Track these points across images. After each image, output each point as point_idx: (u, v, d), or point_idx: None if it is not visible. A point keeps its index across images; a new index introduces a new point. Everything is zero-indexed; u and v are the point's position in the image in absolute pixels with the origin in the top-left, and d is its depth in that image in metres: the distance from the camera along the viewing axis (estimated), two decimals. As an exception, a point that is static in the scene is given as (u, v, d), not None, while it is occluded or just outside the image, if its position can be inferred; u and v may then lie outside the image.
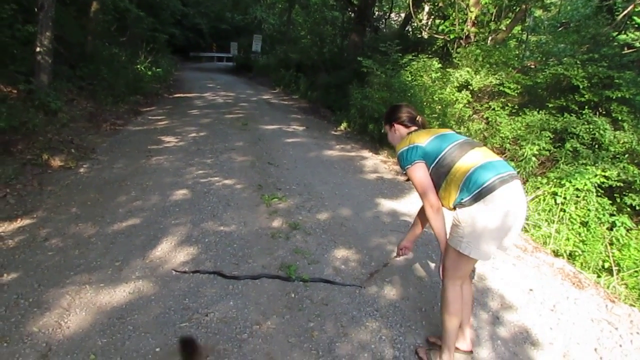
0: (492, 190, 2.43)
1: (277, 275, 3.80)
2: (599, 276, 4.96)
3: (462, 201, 2.52)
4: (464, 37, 10.49)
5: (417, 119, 2.93)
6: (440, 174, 2.64)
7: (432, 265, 4.26)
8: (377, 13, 19.06)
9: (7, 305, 3.10)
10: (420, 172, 2.70)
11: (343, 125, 10.56)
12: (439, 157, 2.64)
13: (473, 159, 2.57)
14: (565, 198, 5.84)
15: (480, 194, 2.45)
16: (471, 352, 2.95)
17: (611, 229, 5.73)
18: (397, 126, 2.94)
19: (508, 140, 7.78)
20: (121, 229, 4.37)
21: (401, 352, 3.04)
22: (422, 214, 3.06)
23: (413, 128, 2.90)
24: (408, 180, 2.93)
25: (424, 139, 2.72)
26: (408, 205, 5.80)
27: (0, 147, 5.54)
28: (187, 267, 3.80)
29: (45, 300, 3.20)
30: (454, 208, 2.63)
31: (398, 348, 3.08)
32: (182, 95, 13.97)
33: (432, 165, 2.67)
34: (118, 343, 2.86)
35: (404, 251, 3.29)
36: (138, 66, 13.32)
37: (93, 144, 7.09)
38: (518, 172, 6.98)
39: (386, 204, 5.71)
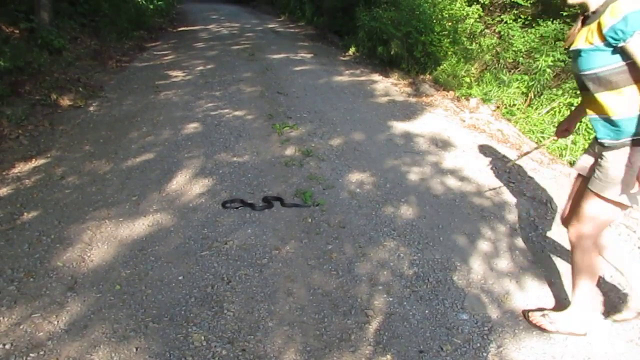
0: None
1: (294, 202, 3.81)
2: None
3: None
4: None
5: None
6: None
7: (449, 183, 4.25)
8: None
9: (30, 242, 3.16)
10: None
11: (351, 50, 10.27)
12: None
13: None
14: (582, 108, 5.69)
15: None
16: None
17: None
18: None
19: (521, 54, 7.55)
20: (135, 165, 4.38)
21: (420, 268, 3.07)
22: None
23: None
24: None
25: None
26: (421, 126, 5.71)
27: (8, 88, 5.49)
28: (203, 198, 3.82)
29: (67, 236, 3.25)
30: None
31: (417, 264, 3.11)
32: (186, 28, 13.66)
33: None
34: (142, 273, 2.92)
35: (565, 134, 2.96)
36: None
37: (100, 82, 7.02)
38: (532, 86, 6.81)
39: (399, 126, 5.63)
